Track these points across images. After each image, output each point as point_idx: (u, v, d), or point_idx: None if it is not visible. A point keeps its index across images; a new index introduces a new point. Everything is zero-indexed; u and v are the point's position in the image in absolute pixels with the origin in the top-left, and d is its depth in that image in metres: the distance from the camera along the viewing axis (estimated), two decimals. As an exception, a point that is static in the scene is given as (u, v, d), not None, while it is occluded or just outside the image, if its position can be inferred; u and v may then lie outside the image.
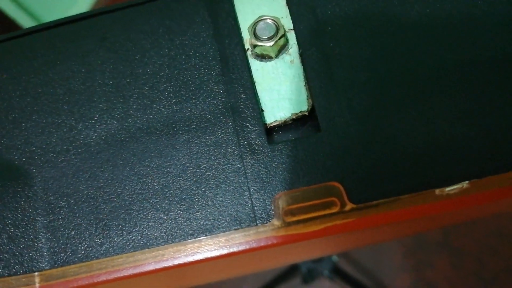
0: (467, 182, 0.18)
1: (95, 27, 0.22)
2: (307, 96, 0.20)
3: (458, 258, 0.87)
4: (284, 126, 0.21)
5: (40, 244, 0.19)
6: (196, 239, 0.19)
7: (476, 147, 0.18)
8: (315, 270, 0.82)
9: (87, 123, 0.20)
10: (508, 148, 0.18)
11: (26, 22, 0.71)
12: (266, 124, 0.20)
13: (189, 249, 0.18)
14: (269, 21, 0.20)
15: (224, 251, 0.18)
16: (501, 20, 0.19)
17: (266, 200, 0.19)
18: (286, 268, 0.82)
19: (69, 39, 0.22)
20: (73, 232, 0.19)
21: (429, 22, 0.20)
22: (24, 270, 0.19)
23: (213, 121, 0.20)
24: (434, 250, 0.87)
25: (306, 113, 0.20)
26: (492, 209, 0.31)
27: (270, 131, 0.21)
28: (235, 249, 0.18)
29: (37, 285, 0.19)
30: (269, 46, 0.20)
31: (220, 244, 0.18)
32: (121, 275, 0.18)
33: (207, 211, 0.19)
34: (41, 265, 0.19)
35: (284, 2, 0.21)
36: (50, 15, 0.74)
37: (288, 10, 0.21)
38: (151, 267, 0.18)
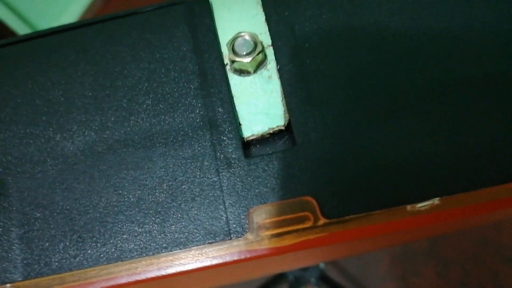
0: (438, 198, 0.19)
1: (76, 39, 0.22)
2: (284, 111, 0.21)
3: (444, 267, 0.88)
4: (261, 140, 0.21)
5: (14, 255, 0.19)
6: (170, 252, 0.19)
7: (447, 164, 0.19)
8: (302, 278, 0.82)
9: (65, 134, 0.20)
10: (477, 166, 0.19)
11: (17, 25, 0.71)
12: (243, 137, 0.21)
13: (162, 262, 0.19)
14: (247, 37, 0.21)
15: (198, 265, 0.18)
16: (478, 40, 0.20)
17: (241, 214, 0.19)
18: (272, 276, 0.82)
19: (50, 50, 0.22)
20: (47, 244, 0.19)
21: (405, 41, 0.20)
22: None
23: (190, 134, 0.20)
24: (420, 259, 0.88)
25: (283, 128, 0.21)
26: (469, 223, 0.32)
27: (247, 145, 0.21)
28: (208, 263, 0.18)
29: (9, 296, 0.19)
30: (247, 62, 0.20)
31: (194, 257, 0.19)
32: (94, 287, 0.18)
33: (182, 225, 0.19)
34: (14, 276, 0.19)
35: (264, 19, 0.21)
36: (42, 19, 0.74)
37: (267, 26, 0.21)
38: (124, 280, 0.18)
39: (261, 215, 0.19)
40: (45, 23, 0.73)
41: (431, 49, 0.20)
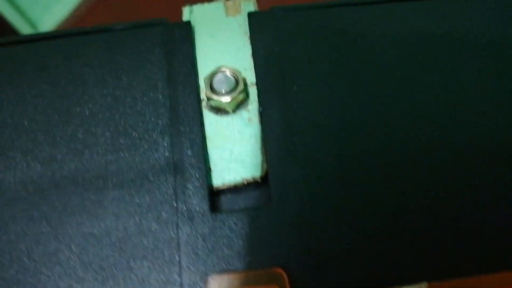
0: (425, 283, 0.16)
1: (36, 53, 0.19)
2: (262, 160, 0.18)
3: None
4: (233, 189, 0.18)
5: None
6: (108, 320, 0.16)
7: (439, 245, 0.16)
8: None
9: (6, 163, 0.18)
10: (475, 250, 0.16)
11: (10, 15, 0.68)
12: (212, 186, 0.18)
13: (97, 332, 0.16)
14: (228, 73, 0.18)
15: (139, 338, 0.16)
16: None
17: (199, 281, 0.16)
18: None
19: (3, 61, 0.19)
20: None
21: (405, 97, 0.18)
22: None
23: (151, 178, 0.17)
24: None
25: (259, 180, 0.18)
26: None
27: (216, 193, 0.18)
28: (151, 338, 0.16)
29: None
30: (226, 101, 0.18)
31: (135, 329, 0.16)
32: None
33: (127, 286, 0.16)
34: None
35: (250, 52, 0.19)
36: (34, 8, 0.71)
37: (252, 62, 0.19)
38: None
39: (221, 285, 0.16)
40: (35, 11, 0.70)
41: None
